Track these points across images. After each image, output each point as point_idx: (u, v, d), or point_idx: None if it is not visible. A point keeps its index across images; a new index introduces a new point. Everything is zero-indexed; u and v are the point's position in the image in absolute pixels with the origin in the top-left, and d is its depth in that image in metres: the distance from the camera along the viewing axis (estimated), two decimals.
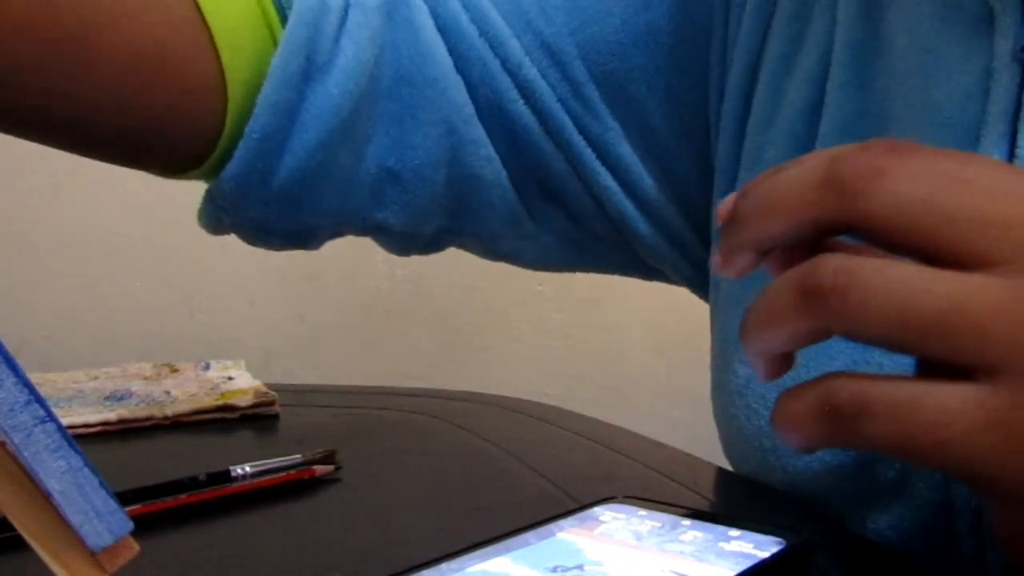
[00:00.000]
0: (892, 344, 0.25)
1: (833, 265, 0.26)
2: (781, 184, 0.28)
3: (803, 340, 0.27)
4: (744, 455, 0.50)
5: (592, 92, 0.55)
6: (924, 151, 0.27)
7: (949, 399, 0.24)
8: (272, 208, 0.50)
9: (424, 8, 0.53)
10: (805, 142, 0.48)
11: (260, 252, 0.56)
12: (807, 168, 0.28)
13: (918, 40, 0.44)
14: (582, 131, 0.55)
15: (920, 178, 0.26)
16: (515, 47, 0.53)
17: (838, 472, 0.45)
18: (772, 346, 0.28)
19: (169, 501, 0.45)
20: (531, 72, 0.53)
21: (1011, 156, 0.40)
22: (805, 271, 0.26)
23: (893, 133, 0.44)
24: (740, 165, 0.51)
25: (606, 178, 0.56)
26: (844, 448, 0.27)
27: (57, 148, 0.47)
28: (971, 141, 0.41)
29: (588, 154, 0.55)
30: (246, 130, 0.47)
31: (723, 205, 0.30)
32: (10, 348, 0.25)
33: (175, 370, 0.78)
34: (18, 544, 0.25)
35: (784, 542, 0.34)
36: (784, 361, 0.30)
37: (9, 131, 0.44)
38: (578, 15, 0.54)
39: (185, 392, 0.70)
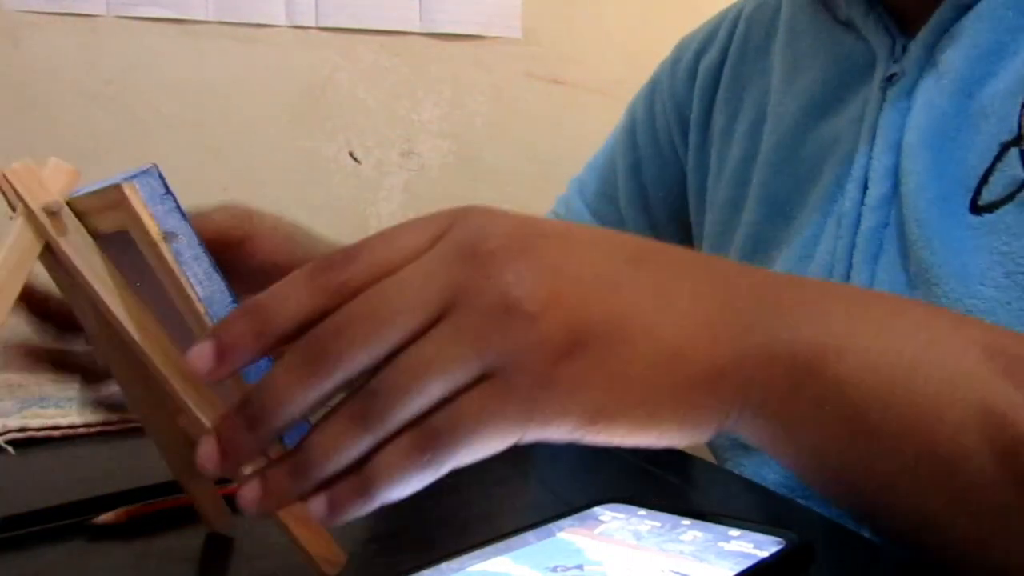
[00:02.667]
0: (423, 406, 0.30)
1: (390, 377, 0.30)
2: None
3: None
4: None
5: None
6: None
7: (475, 399, 0.30)
8: None
9: None
10: (743, 182, 0.64)
11: None
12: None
13: (825, 85, 0.58)
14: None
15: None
16: None
17: None
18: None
19: (170, 500, 0.45)
20: None
21: (869, 159, 0.52)
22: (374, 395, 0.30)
23: (804, 154, 0.59)
24: (705, 208, 0.69)
25: None
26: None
27: None
28: (852, 153, 0.54)
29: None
30: None
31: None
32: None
33: None
34: (18, 544, 0.25)
35: (784, 542, 0.34)
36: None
37: None
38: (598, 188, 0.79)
39: None
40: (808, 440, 0.34)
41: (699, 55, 0.72)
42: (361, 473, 0.30)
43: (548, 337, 0.30)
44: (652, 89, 0.77)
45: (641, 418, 0.32)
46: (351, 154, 1.32)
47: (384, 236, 0.32)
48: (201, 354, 0.30)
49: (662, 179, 0.75)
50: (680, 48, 0.76)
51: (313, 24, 1.29)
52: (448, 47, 1.35)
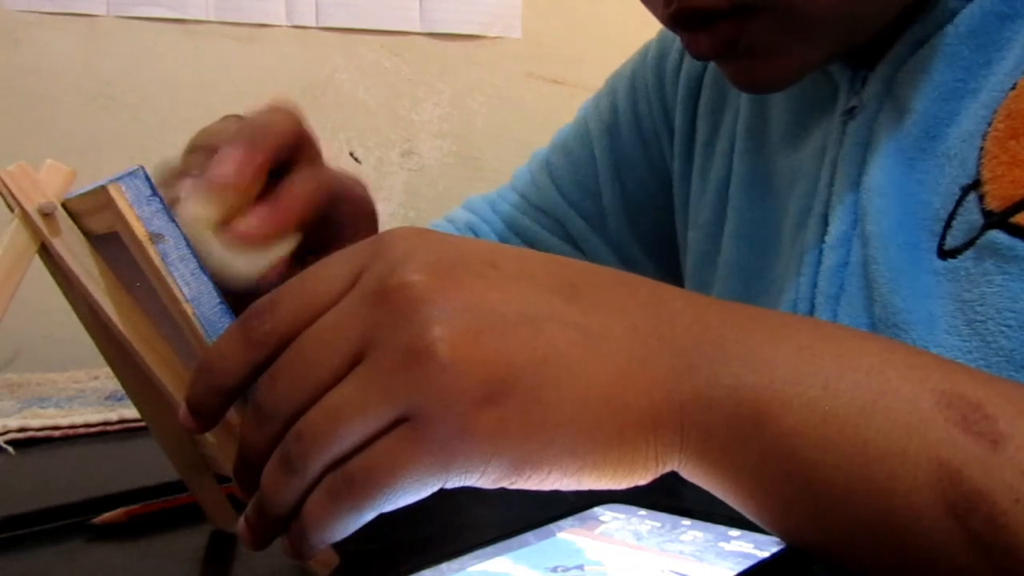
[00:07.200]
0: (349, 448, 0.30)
1: (296, 433, 0.30)
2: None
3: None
4: None
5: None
6: None
7: (389, 446, 0.29)
8: None
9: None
10: (724, 203, 0.62)
11: None
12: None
13: (790, 116, 0.58)
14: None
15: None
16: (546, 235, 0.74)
17: None
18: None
19: (169, 501, 0.45)
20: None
21: (830, 194, 0.51)
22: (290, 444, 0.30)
23: (776, 184, 0.58)
24: (688, 225, 0.67)
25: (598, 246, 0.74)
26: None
27: None
28: (814, 187, 0.53)
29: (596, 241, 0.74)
30: None
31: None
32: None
33: None
34: (18, 544, 0.25)
35: (784, 543, 0.34)
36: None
37: None
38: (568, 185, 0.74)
39: None
40: (754, 492, 0.32)
41: (683, 53, 0.68)
42: (298, 518, 0.30)
43: (463, 384, 0.29)
44: (633, 86, 0.72)
45: (570, 466, 0.30)
46: (352, 154, 1.32)
47: (304, 278, 0.32)
48: (183, 416, 0.33)
49: (648, 184, 0.72)
50: (663, 42, 0.71)
51: (313, 24, 1.29)
52: (448, 47, 1.35)
